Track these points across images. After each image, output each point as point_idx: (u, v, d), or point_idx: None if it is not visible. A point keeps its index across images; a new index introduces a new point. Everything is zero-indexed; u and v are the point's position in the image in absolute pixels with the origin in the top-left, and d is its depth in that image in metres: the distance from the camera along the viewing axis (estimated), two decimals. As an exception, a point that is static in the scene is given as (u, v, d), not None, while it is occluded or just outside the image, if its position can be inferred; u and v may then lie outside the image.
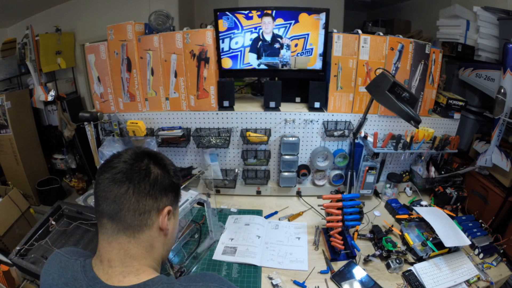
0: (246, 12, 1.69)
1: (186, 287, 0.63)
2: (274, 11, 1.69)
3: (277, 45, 1.76)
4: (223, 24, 1.71)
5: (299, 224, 1.72)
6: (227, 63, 1.82)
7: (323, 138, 1.88)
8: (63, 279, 0.66)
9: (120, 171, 0.64)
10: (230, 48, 1.78)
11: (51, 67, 3.18)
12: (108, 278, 0.63)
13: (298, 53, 1.79)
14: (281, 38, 1.74)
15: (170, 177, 0.70)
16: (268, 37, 1.75)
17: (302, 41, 1.76)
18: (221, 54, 1.78)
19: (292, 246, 1.56)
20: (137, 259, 0.66)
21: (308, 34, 1.74)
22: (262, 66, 1.82)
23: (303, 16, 1.70)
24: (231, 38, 1.75)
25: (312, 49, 1.78)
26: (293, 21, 1.71)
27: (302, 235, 1.63)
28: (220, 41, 1.75)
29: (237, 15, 1.69)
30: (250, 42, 1.76)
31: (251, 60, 1.81)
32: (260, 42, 1.76)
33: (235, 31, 1.73)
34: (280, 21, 1.71)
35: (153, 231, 0.68)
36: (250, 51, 1.78)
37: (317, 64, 1.81)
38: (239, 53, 1.80)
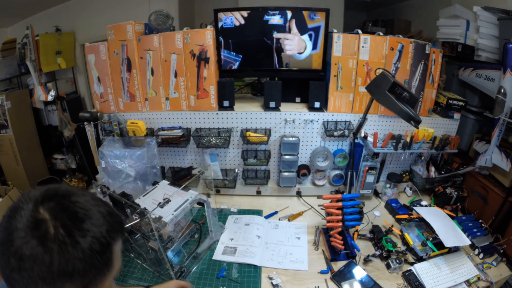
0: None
1: None
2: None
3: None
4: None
5: (299, 224, 1.72)
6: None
7: (323, 138, 1.88)
8: None
9: (14, 252, 0.49)
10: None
11: (51, 67, 3.18)
12: None
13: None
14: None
15: (83, 251, 0.49)
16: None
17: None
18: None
19: (292, 246, 1.56)
20: None
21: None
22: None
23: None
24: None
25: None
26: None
27: (302, 235, 1.63)
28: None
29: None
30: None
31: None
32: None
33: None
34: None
35: None
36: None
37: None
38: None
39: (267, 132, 1.84)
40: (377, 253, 1.46)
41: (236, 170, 1.96)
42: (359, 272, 1.38)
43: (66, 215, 0.52)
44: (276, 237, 1.61)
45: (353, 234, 1.59)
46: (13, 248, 0.48)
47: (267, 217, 1.78)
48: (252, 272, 1.39)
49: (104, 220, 0.56)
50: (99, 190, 1.36)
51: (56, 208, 0.52)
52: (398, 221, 1.67)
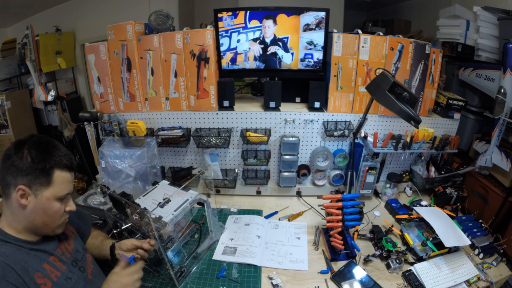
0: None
1: None
2: (248, 12, 1.67)
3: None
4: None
5: (299, 224, 1.72)
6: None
7: (323, 138, 1.88)
8: None
9: (5, 155, 0.88)
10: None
11: (51, 67, 3.18)
12: None
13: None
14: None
15: (29, 162, 0.86)
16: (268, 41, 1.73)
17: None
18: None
19: (292, 246, 1.56)
20: (4, 215, 0.91)
21: (287, 37, 1.73)
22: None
23: (281, 18, 1.68)
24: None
25: (292, 53, 1.78)
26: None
27: (302, 235, 1.63)
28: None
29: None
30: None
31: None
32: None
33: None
34: (255, 23, 1.69)
35: (13, 201, 0.87)
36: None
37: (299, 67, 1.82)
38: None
39: (267, 132, 1.84)
40: (377, 253, 1.46)
41: (236, 170, 1.96)
42: (359, 272, 1.38)
43: (36, 144, 0.90)
44: (276, 237, 1.61)
45: (353, 234, 1.59)
46: (5, 153, 0.88)
47: (267, 217, 1.78)
48: (252, 272, 1.39)
49: (60, 154, 0.92)
50: (99, 190, 1.36)
51: (34, 140, 0.91)
52: (398, 221, 1.67)
